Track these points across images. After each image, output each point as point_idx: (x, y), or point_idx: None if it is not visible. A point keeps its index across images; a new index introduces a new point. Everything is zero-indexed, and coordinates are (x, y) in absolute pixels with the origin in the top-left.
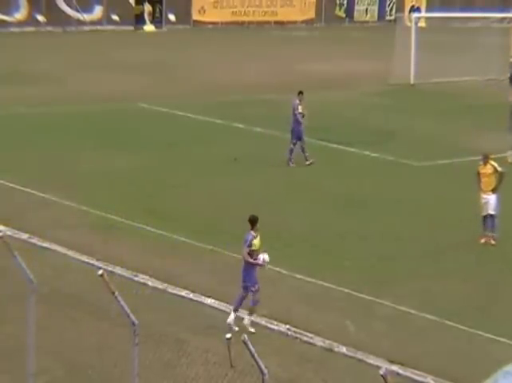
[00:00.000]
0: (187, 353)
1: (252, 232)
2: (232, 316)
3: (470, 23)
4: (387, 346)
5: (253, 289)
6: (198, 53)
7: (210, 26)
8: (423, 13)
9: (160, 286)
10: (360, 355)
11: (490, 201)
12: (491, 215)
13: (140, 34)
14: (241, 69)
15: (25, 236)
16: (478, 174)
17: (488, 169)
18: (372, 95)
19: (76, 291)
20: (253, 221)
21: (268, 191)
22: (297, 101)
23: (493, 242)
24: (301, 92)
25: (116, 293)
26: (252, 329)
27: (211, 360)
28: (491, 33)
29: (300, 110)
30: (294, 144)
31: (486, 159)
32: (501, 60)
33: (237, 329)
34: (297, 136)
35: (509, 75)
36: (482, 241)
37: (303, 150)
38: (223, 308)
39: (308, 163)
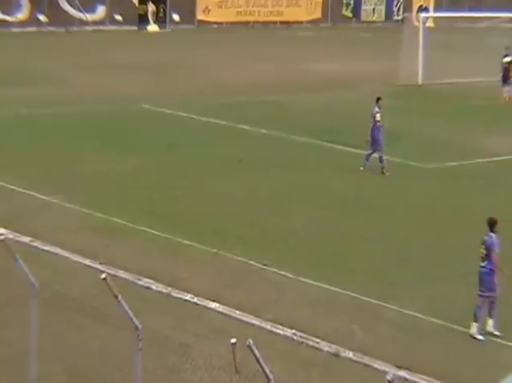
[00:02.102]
0: (191, 358)
1: (492, 234)
2: (474, 327)
3: (478, 23)
4: (395, 351)
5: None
6: (203, 53)
7: (214, 26)
8: (431, 13)
9: (164, 290)
10: (366, 360)
11: None
12: None
13: (144, 34)
14: (246, 69)
15: (26, 239)
16: None
17: None
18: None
19: (79, 295)
20: (492, 223)
21: (273, 193)
22: (376, 108)
23: None
24: (379, 99)
25: (119, 297)
26: (497, 333)
27: (216, 365)
28: (500, 33)
29: (378, 118)
30: (372, 153)
31: None
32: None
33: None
34: (376, 145)
35: (501, 75)
36: None
37: (381, 160)
38: (228, 312)
39: (386, 174)
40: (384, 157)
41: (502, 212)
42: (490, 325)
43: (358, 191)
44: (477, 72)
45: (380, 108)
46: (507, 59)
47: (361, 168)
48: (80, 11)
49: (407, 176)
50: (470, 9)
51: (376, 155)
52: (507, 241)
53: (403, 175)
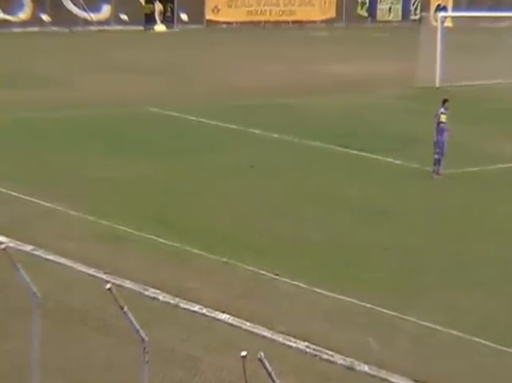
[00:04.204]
0: (200, 372)
1: None
2: None
3: (499, 23)
4: (412, 364)
5: None
6: (212, 54)
7: (224, 26)
8: (450, 13)
9: (172, 301)
10: (383, 374)
11: None
12: None
13: (151, 35)
14: (257, 71)
15: (28, 248)
16: None
17: None
18: (395, 98)
19: (83, 306)
20: None
21: (286, 200)
22: (441, 110)
23: None
24: (446, 100)
25: (125, 308)
26: None
27: (226, 379)
28: None
29: (443, 119)
30: (437, 155)
31: None
32: None
33: None
34: (436, 147)
35: None
36: None
37: (438, 162)
38: (238, 324)
39: (435, 177)
40: (442, 161)
41: None
42: None
43: (374, 198)
44: (497, 73)
45: (446, 109)
46: None
47: (435, 176)
48: (85, 10)
49: (424, 183)
50: (490, 9)
51: (436, 156)
52: None
53: (421, 182)
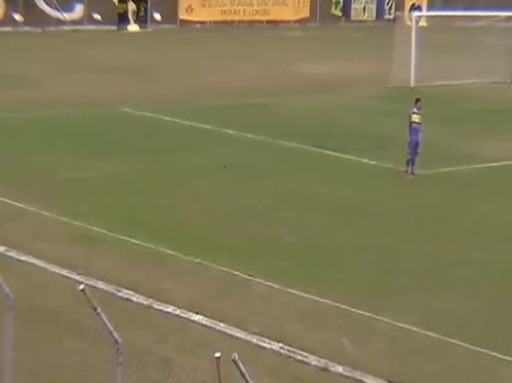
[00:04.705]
0: (173, 373)
1: None
2: None
3: (474, 22)
4: (387, 365)
5: None
6: (186, 54)
7: (197, 26)
8: (425, 12)
9: (145, 302)
10: (357, 375)
11: None
12: None
13: (124, 34)
14: (230, 70)
15: (1, 249)
16: None
17: None
18: (370, 98)
19: (56, 307)
20: None
21: (260, 201)
22: (413, 110)
23: None
24: (418, 100)
25: (99, 309)
26: None
27: (199, 380)
28: (497, 32)
29: (415, 119)
30: (410, 155)
31: None
32: (507, 61)
33: None
34: (412, 147)
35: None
36: None
37: (412, 162)
38: (212, 325)
39: (408, 177)
40: (416, 161)
41: (497, 220)
42: None
43: (348, 198)
44: (472, 73)
45: (418, 109)
46: None
47: (408, 176)
48: (58, 10)
49: (398, 183)
50: (465, 8)
51: (409, 156)
52: (501, 248)
53: (396, 182)
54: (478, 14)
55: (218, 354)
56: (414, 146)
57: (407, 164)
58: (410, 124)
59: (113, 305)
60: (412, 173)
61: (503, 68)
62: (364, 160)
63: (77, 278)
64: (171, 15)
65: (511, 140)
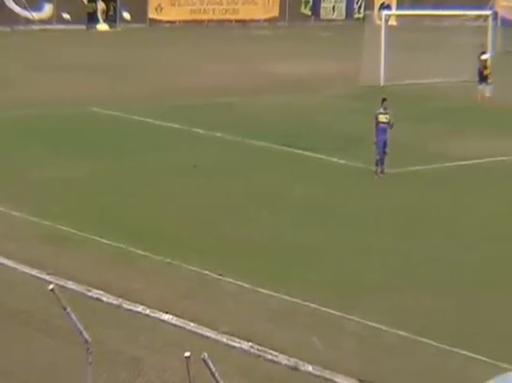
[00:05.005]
0: (143, 373)
1: None
2: None
3: (443, 21)
4: (357, 364)
5: None
6: (155, 53)
7: (167, 25)
8: (394, 11)
9: (115, 302)
10: (327, 374)
11: None
12: None
13: (93, 34)
14: (200, 70)
15: None
16: None
17: None
18: (339, 97)
19: (26, 307)
20: None
21: (229, 200)
22: (380, 110)
23: None
24: (384, 100)
25: (68, 309)
26: None
27: (169, 380)
28: (466, 31)
29: (381, 119)
30: (379, 155)
31: None
32: (476, 60)
33: None
34: (379, 147)
35: (477, 73)
36: None
37: (381, 162)
38: (182, 324)
39: (376, 177)
40: (385, 161)
41: (467, 219)
42: None
43: (318, 198)
44: (441, 72)
45: (385, 109)
46: (484, 56)
47: (376, 176)
48: (27, 9)
49: (368, 182)
50: (435, 7)
51: (377, 156)
52: (472, 247)
53: (365, 181)
54: (447, 13)
55: (187, 354)
56: (382, 146)
57: (377, 164)
58: (377, 125)
59: (83, 305)
60: (382, 172)
61: (472, 67)
62: (334, 159)
63: (47, 278)
64: (140, 14)
65: (480, 138)
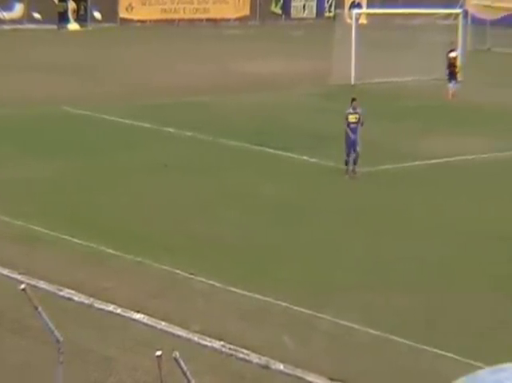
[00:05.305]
0: (115, 372)
1: None
2: None
3: (413, 20)
4: (328, 363)
5: None
6: (126, 52)
7: (138, 24)
8: (364, 9)
9: (86, 301)
10: (298, 372)
11: None
12: None
13: (64, 33)
14: (171, 69)
15: None
16: None
17: None
18: (310, 96)
19: None
20: None
21: (200, 199)
22: (349, 110)
23: None
24: (353, 100)
25: (40, 308)
26: None
27: (141, 379)
28: (436, 30)
29: (351, 119)
30: (348, 156)
31: None
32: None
33: None
34: (349, 147)
35: (447, 71)
36: None
37: (354, 162)
38: (153, 323)
39: (348, 176)
40: (357, 160)
41: (437, 217)
42: None
43: (289, 197)
44: (412, 70)
45: (354, 109)
46: (453, 54)
47: (347, 176)
48: None
49: (339, 181)
50: (405, 6)
51: (347, 158)
52: (442, 246)
53: (336, 180)
54: (417, 12)
55: (159, 353)
56: (350, 146)
57: (346, 164)
58: (348, 125)
59: (54, 304)
60: (353, 171)
61: (442, 65)
62: (305, 158)
63: (18, 277)
64: (111, 14)
65: (450, 136)
